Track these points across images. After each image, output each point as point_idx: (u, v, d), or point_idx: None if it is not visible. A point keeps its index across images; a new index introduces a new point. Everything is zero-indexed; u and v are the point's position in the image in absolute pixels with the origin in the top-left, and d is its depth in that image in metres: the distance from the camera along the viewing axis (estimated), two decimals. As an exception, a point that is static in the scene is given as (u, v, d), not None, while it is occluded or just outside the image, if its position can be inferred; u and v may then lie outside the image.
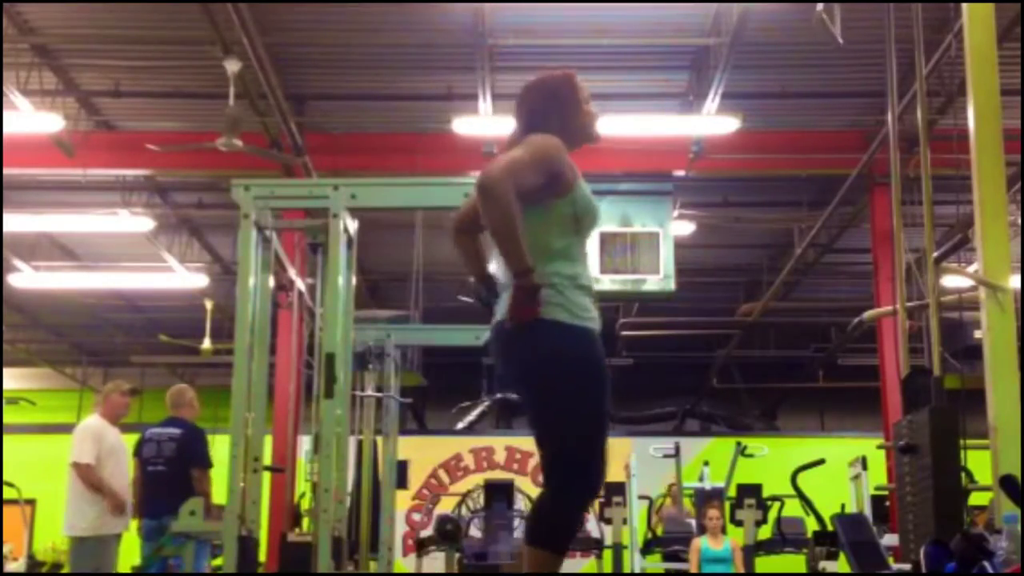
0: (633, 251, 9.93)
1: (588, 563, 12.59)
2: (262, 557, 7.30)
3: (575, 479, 2.98)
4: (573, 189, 3.17)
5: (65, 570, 13.67)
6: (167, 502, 6.96)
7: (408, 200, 6.52)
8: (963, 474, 4.73)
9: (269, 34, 8.64)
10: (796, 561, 10.60)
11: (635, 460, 10.75)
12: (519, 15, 8.53)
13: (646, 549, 10.60)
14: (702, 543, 9.08)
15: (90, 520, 7.17)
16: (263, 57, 8.18)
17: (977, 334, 4.60)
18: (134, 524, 7.42)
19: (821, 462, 9.98)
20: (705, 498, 10.59)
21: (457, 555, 9.22)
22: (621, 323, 14.03)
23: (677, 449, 11.39)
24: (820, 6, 3.21)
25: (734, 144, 9.58)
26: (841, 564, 8.67)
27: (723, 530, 9.38)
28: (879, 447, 8.09)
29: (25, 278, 12.99)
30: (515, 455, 14.62)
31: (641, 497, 10.74)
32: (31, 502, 12.80)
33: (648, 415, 17.13)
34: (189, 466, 7.16)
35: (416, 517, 14.00)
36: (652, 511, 11.17)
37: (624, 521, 10.13)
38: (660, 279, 9.98)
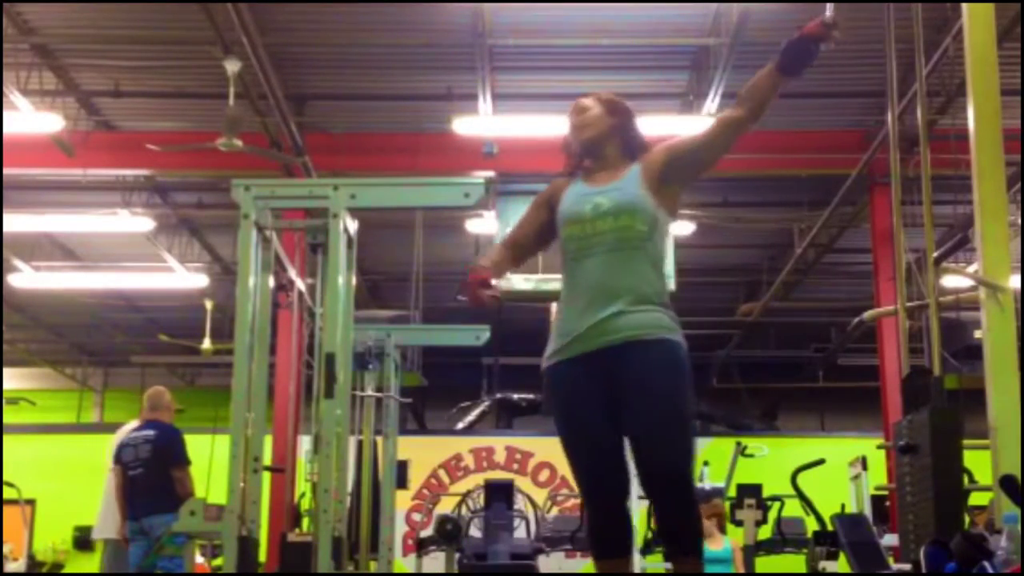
0: (633, 251, 9.93)
1: (588, 563, 12.59)
2: (262, 557, 7.30)
3: None
4: (556, 212, 3.39)
5: (66, 570, 13.71)
6: (145, 504, 6.98)
7: (408, 200, 6.51)
8: (963, 474, 4.73)
9: (269, 34, 8.64)
10: (796, 561, 10.59)
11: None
12: (519, 15, 8.53)
13: (646, 549, 10.59)
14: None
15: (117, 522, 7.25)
16: (263, 57, 8.17)
17: (977, 334, 4.60)
18: None
19: (821, 462, 9.97)
20: (704, 498, 10.56)
21: (457, 555, 9.22)
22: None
23: (677, 449, 11.37)
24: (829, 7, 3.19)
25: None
26: (841, 564, 8.66)
27: (722, 530, 9.35)
28: (879, 447, 8.08)
29: (25, 278, 13.00)
30: (515, 455, 14.62)
31: (641, 497, 10.69)
32: (31, 502, 12.81)
33: (648, 415, 17.11)
34: (167, 467, 7.15)
35: (416, 517, 14.00)
36: (652, 511, 11.14)
37: (624, 521, 10.11)
38: (660, 279, 9.97)
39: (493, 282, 3.22)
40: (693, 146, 3.45)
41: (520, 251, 3.46)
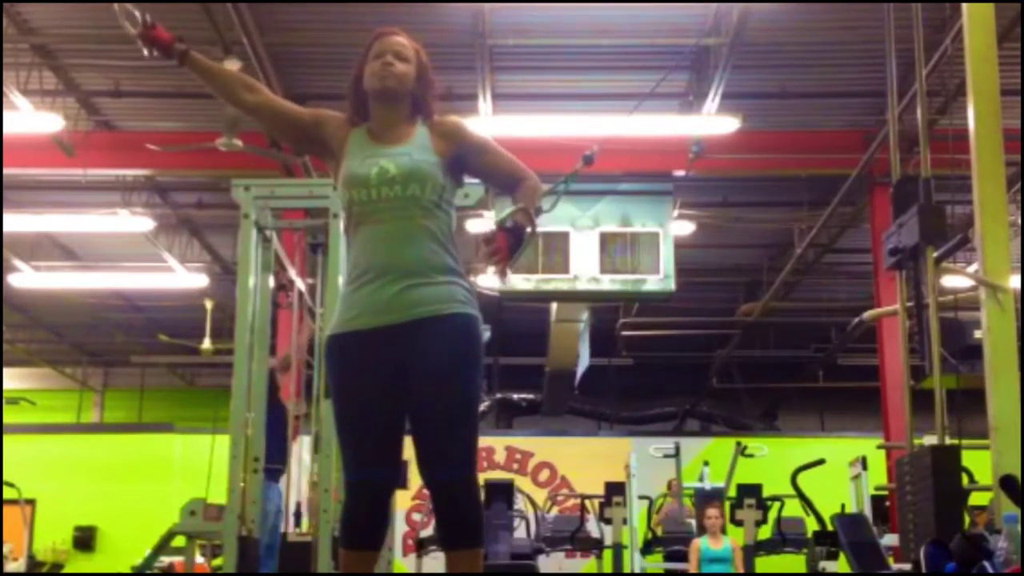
0: (633, 251, 9.93)
1: (588, 563, 12.59)
2: (262, 557, 7.28)
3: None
4: (339, 160, 3.28)
5: (66, 570, 13.71)
6: None
7: (408, 200, 6.50)
8: (963, 474, 4.73)
9: (269, 34, 8.64)
10: (796, 561, 10.60)
11: (635, 460, 10.74)
12: (519, 15, 8.53)
13: (646, 549, 10.60)
14: (702, 543, 9.07)
15: None
16: (263, 57, 8.17)
17: (977, 334, 4.60)
18: None
19: (821, 462, 9.98)
20: (705, 498, 10.59)
21: (457, 555, 9.21)
22: (621, 323, 14.04)
23: (677, 449, 11.39)
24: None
25: (734, 144, 9.58)
26: (841, 564, 8.67)
27: (723, 530, 9.37)
28: (879, 447, 8.10)
29: (25, 278, 13.00)
30: (515, 455, 14.62)
31: (641, 497, 10.74)
32: (31, 502, 12.81)
33: (648, 415, 17.12)
34: None
35: (416, 517, 14.00)
36: (652, 511, 11.17)
37: (624, 521, 10.13)
38: (660, 279, 9.97)
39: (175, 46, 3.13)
40: (483, 152, 3.27)
41: (260, 106, 3.25)
